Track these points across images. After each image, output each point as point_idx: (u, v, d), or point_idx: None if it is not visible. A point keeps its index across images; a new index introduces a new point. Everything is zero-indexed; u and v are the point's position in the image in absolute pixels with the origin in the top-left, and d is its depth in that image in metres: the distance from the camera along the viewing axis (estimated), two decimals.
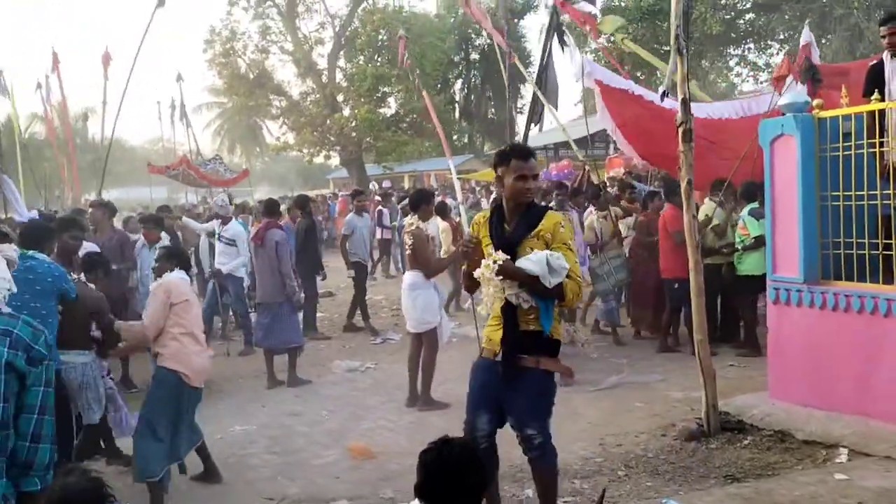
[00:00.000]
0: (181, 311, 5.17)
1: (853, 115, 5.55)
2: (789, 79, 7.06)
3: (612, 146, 21.50)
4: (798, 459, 5.19)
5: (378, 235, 15.80)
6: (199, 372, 5.25)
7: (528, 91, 21.99)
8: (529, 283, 3.89)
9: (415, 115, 31.56)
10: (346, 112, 30.79)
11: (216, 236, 9.93)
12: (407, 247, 7.71)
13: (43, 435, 2.63)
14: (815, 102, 5.80)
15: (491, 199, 16.03)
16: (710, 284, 7.86)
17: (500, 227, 4.09)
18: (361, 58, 30.93)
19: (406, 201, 11.30)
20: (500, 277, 3.88)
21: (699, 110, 8.93)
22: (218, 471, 5.57)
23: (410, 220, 7.67)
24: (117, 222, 11.13)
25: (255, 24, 31.06)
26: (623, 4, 25.14)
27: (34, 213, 7.41)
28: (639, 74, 22.07)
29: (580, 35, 26.26)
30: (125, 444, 5.70)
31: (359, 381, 8.35)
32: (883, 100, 5.46)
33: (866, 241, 5.43)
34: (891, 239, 5.30)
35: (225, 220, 9.97)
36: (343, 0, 40.77)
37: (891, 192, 5.32)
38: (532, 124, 11.36)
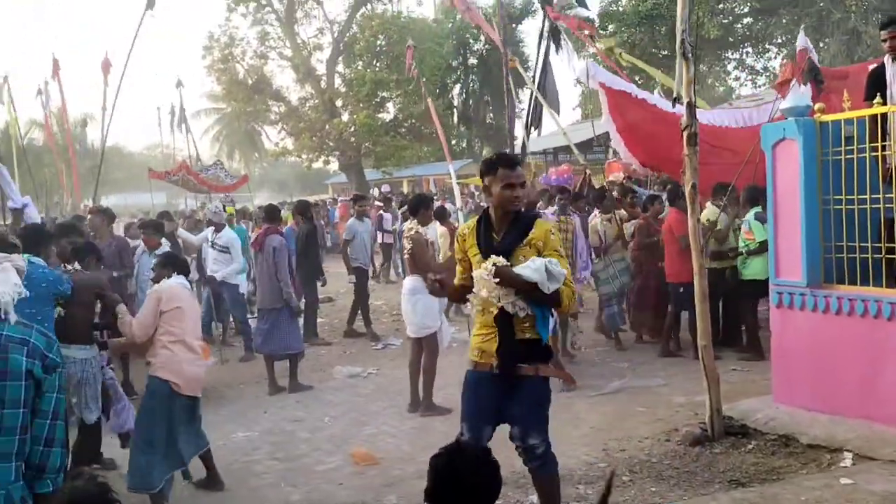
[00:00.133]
0: (172, 319, 5.13)
1: (855, 119, 5.55)
2: (793, 82, 7.06)
3: (611, 150, 21.54)
4: (803, 464, 5.18)
5: (379, 240, 15.78)
6: (190, 380, 5.19)
7: (526, 95, 22.03)
8: (527, 290, 3.88)
9: (413, 120, 31.61)
10: (345, 117, 30.83)
11: (210, 244, 9.88)
12: (406, 251, 7.72)
13: (55, 439, 2.74)
14: (816, 106, 5.80)
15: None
16: (715, 288, 7.90)
17: (487, 236, 4.06)
18: (360, 63, 31.00)
19: (405, 206, 11.32)
20: (497, 280, 3.84)
21: (700, 116, 8.95)
22: (220, 478, 5.56)
23: (410, 225, 7.70)
24: (117, 229, 11.14)
25: (254, 29, 31.19)
26: (621, 9, 25.22)
27: (28, 199, 7.39)
28: (637, 79, 22.10)
29: (578, 39, 26.28)
30: (122, 453, 5.68)
31: (360, 387, 8.33)
32: (885, 104, 5.47)
33: (869, 244, 5.43)
34: (893, 242, 5.30)
35: (218, 228, 9.93)
36: (342, 6, 40.90)
37: (893, 195, 5.32)
38: (532, 128, 11.38)
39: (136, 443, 5.09)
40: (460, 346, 9.00)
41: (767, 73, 26.06)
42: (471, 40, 36.63)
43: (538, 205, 10.07)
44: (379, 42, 30.28)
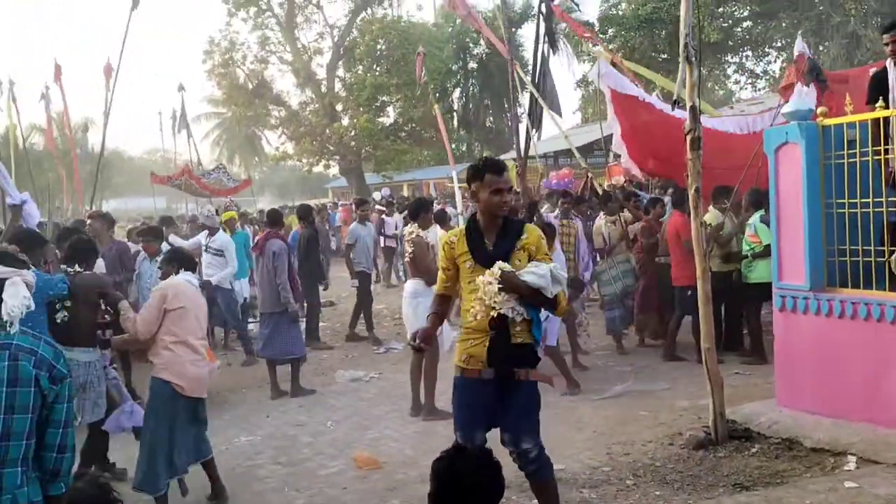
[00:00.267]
0: (176, 319, 5.06)
1: (857, 123, 5.56)
2: (798, 85, 7.07)
3: (612, 154, 21.54)
4: (807, 467, 5.18)
5: (381, 244, 15.76)
6: (193, 381, 5.10)
7: (526, 98, 22.04)
8: (529, 294, 3.91)
9: (413, 124, 31.66)
10: (345, 121, 30.89)
11: (204, 247, 9.85)
12: (407, 255, 7.74)
13: (67, 446, 2.89)
14: (819, 110, 5.81)
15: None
16: (721, 291, 7.90)
17: (479, 242, 4.06)
18: (360, 67, 31.03)
19: (406, 210, 11.33)
20: (500, 287, 3.86)
21: (704, 122, 8.94)
22: (225, 491, 5.44)
23: (410, 229, 7.73)
24: (119, 233, 11.14)
25: (255, 34, 31.24)
26: (620, 13, 25.25)
27: (26, 196, 7.37)
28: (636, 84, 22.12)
29: (578, 44, 26.36)
30: (126, 454, 5.67)
31: (363, 391, 8.33)
32: (887, 107, 5.47)
33: (872, 248, 5.43)
34: None
35: (212, 231, 9.90)
36: (342, 10, 41.02)
37: None
38: (533, 130, 11.37)
39: (143, 444, 5.06)
40: None
41: (767, 77, 26.12)
42: (471, 44, 36.70)
43: (544, 207, 10.07)
44: (379, 46, 30.33)
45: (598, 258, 9.46)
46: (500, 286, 3.87)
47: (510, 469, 4.50)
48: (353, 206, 13.94)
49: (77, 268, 5.49)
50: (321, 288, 11.17)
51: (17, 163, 17.86)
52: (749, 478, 5.07)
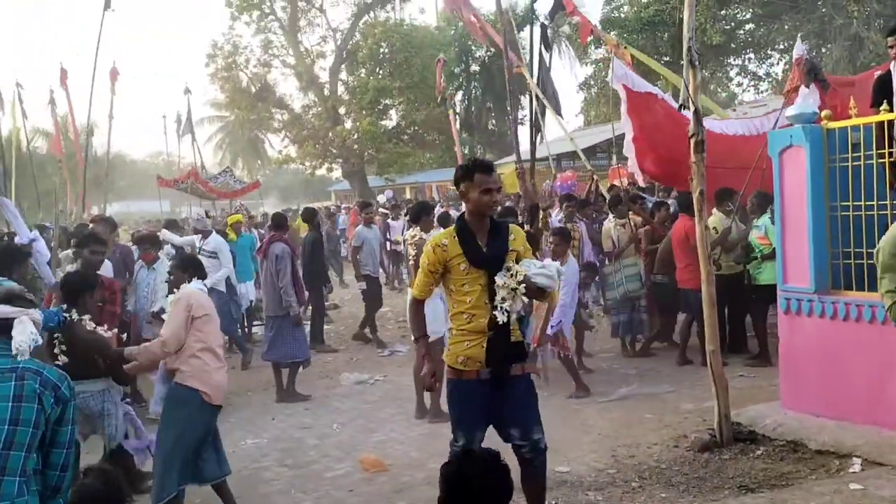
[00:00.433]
0: (202, 326, 4.95)
1: (862, 126, 5.58)
2: (801, 89, 7.09)
3: (614, 157, 21.53)
4: (811, 469, 5.19)
5: (388, 248, 15.73)
6: (218, 388, 5.00)
7: (526, 102, 22.08)
8: (535, 292, 4.04)
9: (416, 127, 31.71)
10: (348, 124, 30.94)
11: (198, 250, 9.83)
12: (411, 257, 7.77)
13: (69, 465, 3.08)
14: (823, 113, 5.84)
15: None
16: (731, 293, 7.89)
17: (473, 243, 4.08)
18: (363, 71, 31.09)
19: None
20: (525, 292, 3.97)
21: (711, 125, 8.92)
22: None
23: (413, 232, 7.77)
24: (124, 237, 11.18)
25: (258, 38, 31.28)
26: (623, 16, 25.29)
27: (35, 234, 7.32)
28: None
29: (579, 46, 26.34)
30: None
31: (368, 394, 8.35)
32: (891, 110, 5.48)
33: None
34: None
35: (205, 234, 9.85)
36: (344, 14, 41.09)
37: None
38: (538, 137, 11.38)
39: (159, 454, 4.90)
40: None
41: (770, 79, 26.13)
42: (473, 47, 36.70)
43: (555, 211, 10.04)
44: (382, 50, 30.38)
45: (606, 261, 9.41)
46: (525, 291, 3.98)
47: (517, 469, 4.54)
48: (358, 209, 13.96)
49: (74, 314, 5.18)
50: (325, 291, 11.18)
51: (20, 167, 17.91)
52: (754, 480, 5.08)
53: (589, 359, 8.84)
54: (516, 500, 4.88)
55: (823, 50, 20.53)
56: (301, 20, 31.61)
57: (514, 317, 4.05)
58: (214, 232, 10.05)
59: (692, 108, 5.60)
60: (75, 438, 3.13)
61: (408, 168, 32.18)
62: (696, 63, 5.62)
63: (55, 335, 5.10)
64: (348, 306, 14.37)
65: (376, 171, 32.87)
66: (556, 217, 9.90)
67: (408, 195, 33.27)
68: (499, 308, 3.99)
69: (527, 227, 7.91)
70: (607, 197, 10.71)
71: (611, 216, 9.51)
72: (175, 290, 5.16)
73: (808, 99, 6.69)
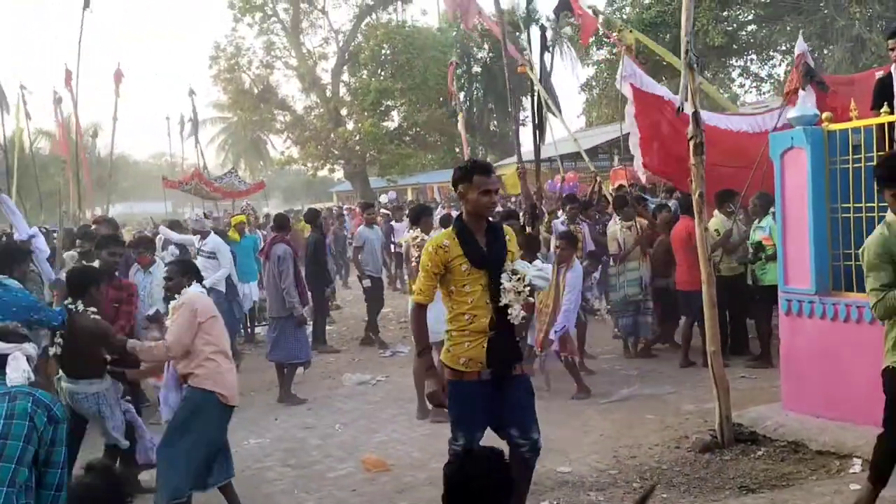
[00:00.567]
0: (210, 329, 4.94)
1: (862, 128, 5.60)
2: (801, 91, 7.12)
3: (616, 158, 21.56)
4: (812, 470, 5.21)
5: (391, 249, 15.70)
6: (232, 389, 5.00)
7: (529, 103, 22.06)
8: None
9: (418, 129, 31.77)
10: (350, 126, 31.01)
11: (197, 251, 9.86)
12: (413, 259, 7.80)
13: (63, 484, 3.10)
14: (824, 115, 5.85)
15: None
16: (733, 294, 7.90)
17: (473, 244, 4.09)
18: (365, 72, 31.18)
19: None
20: (530, 293, 4.07)
21: (716, 120, 8.90)
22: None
23: (414, 234, 7.80)
24: (126, 237, 11.20)
25: (260, 39, 31.41)
26: (625, 17, 25.30)
27: (35, 230, 7.33)
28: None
29: (581, 47, 26.34)
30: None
31: (370, 394, 8.38)
32: (892, 113, 5.50)
33: None
34: None
35: (203, 235, 9.84)
36: (347, 15, 41.17)
37: None
38: (539, 133, 11.40)
39: (170, 461, 4.85)
40: None
41: (772, 81, 26.11)
42: (475, 49, 36.76)
43: (560, 214, 10.03)
44: (384, 51, 30.47)
45: (611, 262, 9.37)
46: (529, 293, 4.08)
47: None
48: (360, 210, 13.98)
49: (79, 305, 5.25)
50: (328, 292, 11.21)
51: (23, 167, 17.94)
52: (755, 481, 5.10)
53: (591, 360, 8.87)
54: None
55: (825, 51, 20.54)
56: (303, 22, 31.74)
57: (518, 320, 4.10)
58: (213, 232, 10.07)
59: (691, 111, 5.62)
60: (66, 459, 3.14)
61: (409, 169, 32.25)
62: (695, 65, 5.65)
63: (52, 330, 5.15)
64: (350, 307, 14.40)
65: (378, 173, 32.94)
66: (560, 219, 9.89)
67: (409, 196, 33.33)
68: (512, 309, 4.05)
69: (528, 228, 7.94)
70: (610, 198, 10.72)
71: (616, 218, 9.41)
72: (176, 294, 5.14)
73: (805, 101, 6.71)
